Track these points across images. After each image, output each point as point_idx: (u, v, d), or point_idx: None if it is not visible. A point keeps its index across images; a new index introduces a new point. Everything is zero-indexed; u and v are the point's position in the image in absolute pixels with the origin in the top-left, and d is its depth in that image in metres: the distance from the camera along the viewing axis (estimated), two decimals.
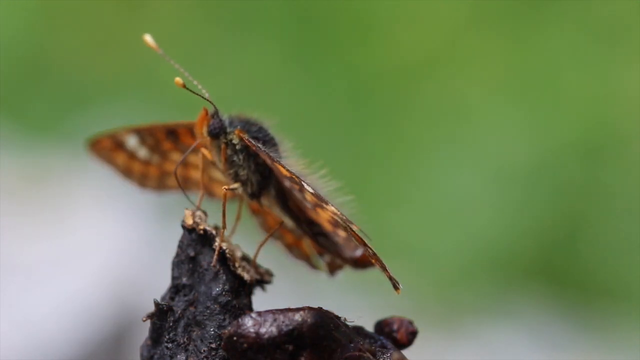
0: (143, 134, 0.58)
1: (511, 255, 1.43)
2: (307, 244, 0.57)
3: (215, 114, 0.53)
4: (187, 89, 0.53)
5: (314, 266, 0.57)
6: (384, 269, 0.50)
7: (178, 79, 0.52)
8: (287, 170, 0.50)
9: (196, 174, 0.57)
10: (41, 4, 1.76)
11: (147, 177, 0.59)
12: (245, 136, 0.52)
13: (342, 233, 0.49)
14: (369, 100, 1.63)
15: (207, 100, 0.53)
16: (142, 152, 0.58)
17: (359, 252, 0.54)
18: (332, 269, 0.57)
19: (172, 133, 0.57)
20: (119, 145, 0.59)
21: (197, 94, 0.53)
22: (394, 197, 1.48)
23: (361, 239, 0.50)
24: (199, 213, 0.51)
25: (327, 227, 0.48)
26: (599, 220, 1.45)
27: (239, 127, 0.52)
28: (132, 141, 0.59)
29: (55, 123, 1.54)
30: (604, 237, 1.43)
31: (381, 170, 1.54)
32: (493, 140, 1.52)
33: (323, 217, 0.49)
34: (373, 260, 0.51)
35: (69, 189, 1.22)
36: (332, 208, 0.50)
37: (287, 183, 0.49)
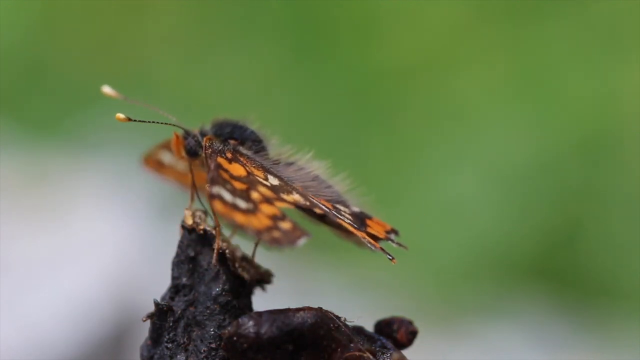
0: (170, 148, 0.58)
1: (511, 255, 1.43)
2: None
3: (187, 134, 0.53)
4: (133, 120, 0.53)
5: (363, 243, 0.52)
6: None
7: (119, 115, 0.53)
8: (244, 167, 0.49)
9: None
10: (42, 5, 1.76)
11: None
12: (209, 142, 0.51)
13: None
14: (369, 100, 1.63)
15: (175, 125, 0.53)
16: (180, 165, 0.58)
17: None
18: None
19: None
20: (161, 164, 0.59)
21: (162, 123, 0.53)
22: (394, 197, 1.48)
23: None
24: (199, 213, 0.51)
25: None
26: (599, 220, 1.45)
27: (208, 134, 0.52)
28: (167, 157, 0.59)
29: (55, 123, 1.54)
30: (604, 237, 1.43)
31: (381, 170, 1.54)
32: (493, 140, 1.52)
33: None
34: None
35: (69, 189, 1.22)
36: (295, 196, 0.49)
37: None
